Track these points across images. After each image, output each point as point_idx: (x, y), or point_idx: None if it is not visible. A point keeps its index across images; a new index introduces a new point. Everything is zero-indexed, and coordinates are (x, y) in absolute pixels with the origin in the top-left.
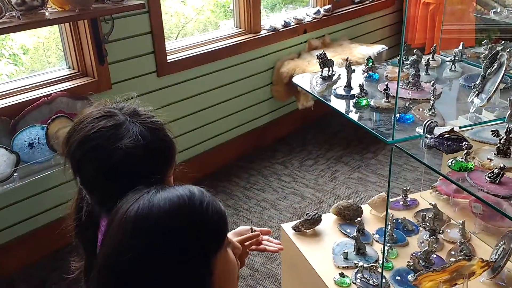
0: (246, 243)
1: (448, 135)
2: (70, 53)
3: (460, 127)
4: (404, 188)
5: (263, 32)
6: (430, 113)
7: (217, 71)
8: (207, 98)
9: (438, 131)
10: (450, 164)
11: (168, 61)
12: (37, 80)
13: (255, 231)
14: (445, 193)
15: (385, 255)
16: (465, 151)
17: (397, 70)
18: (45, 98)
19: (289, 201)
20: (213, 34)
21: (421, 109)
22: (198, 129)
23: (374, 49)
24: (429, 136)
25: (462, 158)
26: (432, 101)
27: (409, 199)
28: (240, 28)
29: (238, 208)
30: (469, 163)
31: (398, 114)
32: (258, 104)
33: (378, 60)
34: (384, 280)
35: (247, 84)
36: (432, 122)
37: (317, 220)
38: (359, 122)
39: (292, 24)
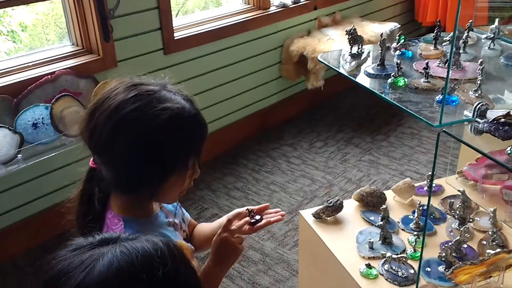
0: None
1: (504, 120)
2: (74, 30)
3: None
4: (429, 173)
5: (272, 9)
6: (477, 95)
7: (225, 49)
8: (214, 77)
9: (491, 114)
10: (510, 152)
11: (175, 38)
12: (40, 57)
13: (252, 210)
14: (472, 178)
15: (418, 244)
16: None
17: (431, 48)
18: (49, 76)
19: (299, 184)
20: (221, 10)
21: (465, 90)
22: (205, 109)
23: (386, 27)
24: (480, 120)
25: None
26: (479, 82)
27: (434, 185)
28: (248, 4)
29: (247, 191)
30: None
31: (440, 96)
32: (266, 83)
33: (390, 38)
34: (412, 271)
35: (255, 63)
36: (483, 104)
37: (339, 207)
38: (398, 104)
39: (302, 0)
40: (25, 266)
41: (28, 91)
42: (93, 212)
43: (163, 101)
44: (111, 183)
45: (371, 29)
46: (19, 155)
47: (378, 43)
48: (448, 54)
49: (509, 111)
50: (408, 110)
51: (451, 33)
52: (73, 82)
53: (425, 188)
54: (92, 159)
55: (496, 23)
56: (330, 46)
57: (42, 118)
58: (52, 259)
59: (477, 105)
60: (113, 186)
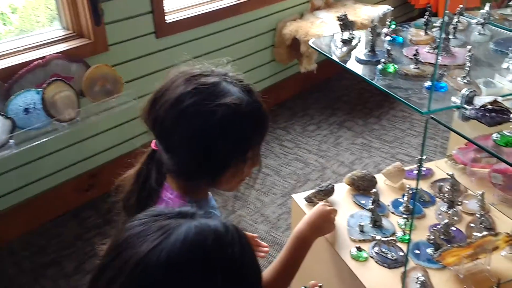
0: None
1: (491, 106)
2: (65, 13)
3: (502, 96)
4: (419, 157)
5: None
6: (465, 81)
7: (217, 32)
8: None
9: (479, 101)
10: (495, 138)
11: (166, 21)
12: (31, 41)
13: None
14: (462, 162)
15: (407, 227)
16: None
17: (422, 33)
18: (40, 61)
19: (292, 167)
20: None
21: (454, 77)
22: None
23: (379, 10)
24: (467, 107)
25: (509, 132)
26: (467, 68)
27: (424, 169)
28: None
29: None
30: None
31: (429, 82)
32: (259, 67)
33: (383, 21)
34: (402, 254)
35: (248, 46)
36: (471, 91)
37: (330, 191)
38: (387, 90)
39: None
40: (20, 250)
41: (19, 76)
42: (147, 191)
43: (220, 95)
44: (171, 169)
45: (364, 12)
46: (11, 141)
47: (369, 29)
48: (438, 39)
49: (496, 98)
50: (397, 97)
51: (442, 19)
52: (64, 67)
53: (415, 171)
54: (154, 141)
55: (487, 7)
56: (323, 29)
57: (34, 103)
58: (132, 220)
59: (465, 91)
60: (173, 171)
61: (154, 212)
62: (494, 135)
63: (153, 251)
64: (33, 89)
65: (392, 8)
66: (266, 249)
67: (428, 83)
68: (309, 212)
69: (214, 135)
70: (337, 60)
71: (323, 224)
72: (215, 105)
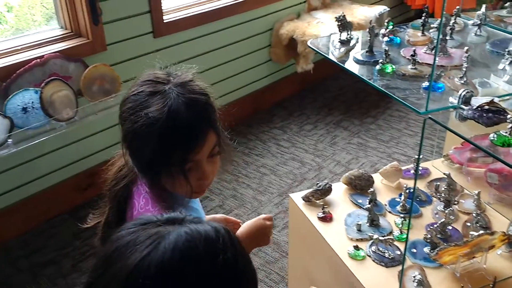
0: None
1: (487, 107)
2: (62, 12)
3: (498, 97)
4: (416, 156)
5: None
6: (462, 82)
7: (214, 32)
8: (204, 61)
9: (476, 102)
10: (492, 138)
11: (164, 21)
12: (28, 40)
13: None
14: (458, 162)
15: (404, 226)
16: (510, 124)
17: (419, 34)
18: (38, 60)
19: (288, 166)
20: None
21: (451, 77)
22: None
23: (376, 10)
24: (464, 107)
25: (506, 132)
26: (464, 69)
27: (420, 168)
28: None
29: (237, 174)
30: None
31: (427, 83)
32: (256, 67)
33: (379, 22)
34: (399, 253)
35: (245, 46)
36: (468, 92)
37: (327, 190)
38: (385, 90)
39: None
40: (17, 249)
41: (17, 75)
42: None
43: (150, 105)
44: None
45: (361, 12)
46: (9, 140)
47: (367, 30)
48: (435, 40)
49: (493, 99)
50: (395, 97)
51: (439, 20)
52: (62, 66)
53: (412, 171)
54: None
55: (483, 9)
56: (320, 29)
57: (32, 102)
58: (119, 230)
59: (462, 92)
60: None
61: (142, 220)
62: (491, 135)
63: (143, 262)
64: (31, 88)
65: (389, 9)
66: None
67: (425, 84)
68: (250, 223)
69: (136, 142)
70: (335, 60)
71: (261, 237)
72: (137, 114)
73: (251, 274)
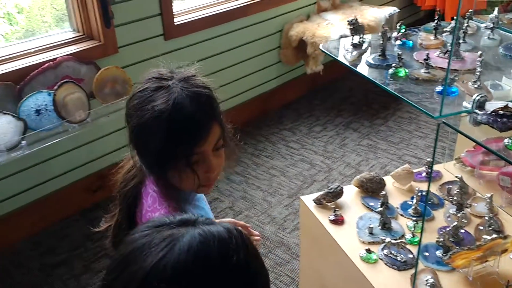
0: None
1: (502, 112)
2: (75, 15)
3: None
4: (428, 159)
5: None
6: (476, 86)
7: (224, 34)
8: (214, 63)
9: (490, 106)
10: (507, 143)
11: (175, 23)
12: (41, 43)
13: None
14: (470, 164)
15: (417, 230)
16: None
17: (431, 37)
18: (51, 63)
19: (298, 168)
20: None
21: (465, 81)
22: None
23: (386, 11)
24: (479, 112)
25: None
26: (478, 73)
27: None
28: None
29: (247, 176)
30: None
31: (440, 87)
32: (265, 68)
33: (389, 23)
34: (411, 256)
35: (255, 47)
36: (482, 96)
37: (339, 193)
38: (399, 94)
39: None
40: (29, 250)
41: (30, 77)
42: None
43: (155, 100)
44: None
45: (370, 14)
46: (23, 142)
47: (380, 33)
48: (448, 44)
49: (507, 103)
50: (409, 101)
51: (451, 23)
52: (74, 69)
53: (424, 174)
54: None
55: (496, 12)
56: (330, 30)
57: (45, 104)
58: (132, 233)
59: (476, 96)
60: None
61: (155, 222)
62: (506, 140)
63: (159, 264)
64: (44, 90)
65: (398, 10)
66: (257, 237)
67: (439, 88)
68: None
69: (143, 137)
70: (348, 64)
71: None
72: (143, 109)
73: (263, 274)
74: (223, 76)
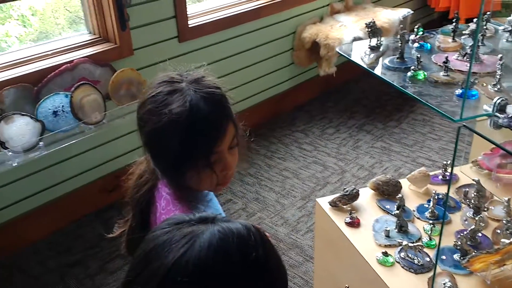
0: None
1: None
2: (91, 18)
3: None
4: (445, 162)
5: None
6: (496, 89)
7: (238, 36)
8: (227, 65)
9: (511, 110)
10: None
11: (189, 26)
12: (58, 45)
13: None
14: (487, 167)
15: (434, 233)
16: None
17: (449, 40)
18: (68, 65)
19: (311, 170)
20: None
21: (484, 84)
22: None
23: (399, 13)
24: (500, 115)
25: None
26: (498, 76)
27: (448, 174)
28: None
29: (260, 177)
30: None
31: (460, 90)
32: (278, 70)
33: (403, 25)
34: (428, 259)
35: (268, 49)
36: (503, 99)
37: (355, 196)
38: (419, 98)
39: None
40: (46, 250)
41: (47, 79)
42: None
43: (171, 103)
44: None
45: (384, 16)
46: (40, 143)
47: (398, 36)
48: (467, 47)
49: None
50: (429, 104)
51: (470, 25)
52: (91, 71)
53: (440, 177)
54: None
55: None
56: (343, 32)
57: (62, 106)
58: (153, 230)
59: (497, 100)
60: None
61: (175, 220)
62: None
63: (180, 260)
64: (61, 92)
65: (412, 12)
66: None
67: (459, 91)
68: None
69: (160, 141)
70: (366, 67)
71: None
72: (159, 114)
73: (281, 270)
74: (236, 78)
